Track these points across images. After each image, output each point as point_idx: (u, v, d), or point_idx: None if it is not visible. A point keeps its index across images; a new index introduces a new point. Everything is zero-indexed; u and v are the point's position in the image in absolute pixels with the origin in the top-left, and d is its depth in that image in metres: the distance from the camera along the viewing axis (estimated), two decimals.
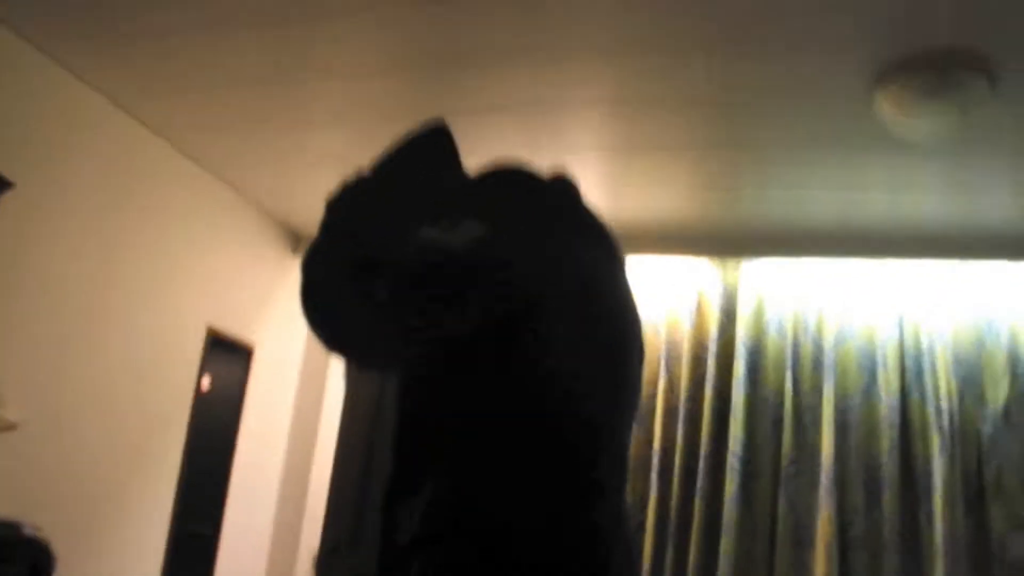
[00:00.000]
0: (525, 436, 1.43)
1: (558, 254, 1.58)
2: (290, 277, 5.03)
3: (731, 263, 4.34)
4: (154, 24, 3.17)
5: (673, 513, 4.09)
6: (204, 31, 3.18)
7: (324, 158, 4.10)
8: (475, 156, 3.87)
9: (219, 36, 3.20)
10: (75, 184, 3.63)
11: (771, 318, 4.24)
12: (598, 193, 4.10)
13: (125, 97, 3.75)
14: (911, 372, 4.02)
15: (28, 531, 2.52)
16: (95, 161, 3.72)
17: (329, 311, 1.61)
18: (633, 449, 4.21)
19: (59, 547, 2.61)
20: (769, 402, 4.15)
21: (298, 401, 5.05)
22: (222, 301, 4.50)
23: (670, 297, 4.38)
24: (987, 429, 3.89)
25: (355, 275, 1.53)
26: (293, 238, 5.13)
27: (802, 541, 3.94)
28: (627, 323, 1.67)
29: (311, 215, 4.78)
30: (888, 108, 2.93)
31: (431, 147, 1.74)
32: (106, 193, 3.79)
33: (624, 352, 1.65)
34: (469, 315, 1.44)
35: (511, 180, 1.72)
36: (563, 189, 1.77)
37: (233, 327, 4.54)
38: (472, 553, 1.36)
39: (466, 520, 1.40)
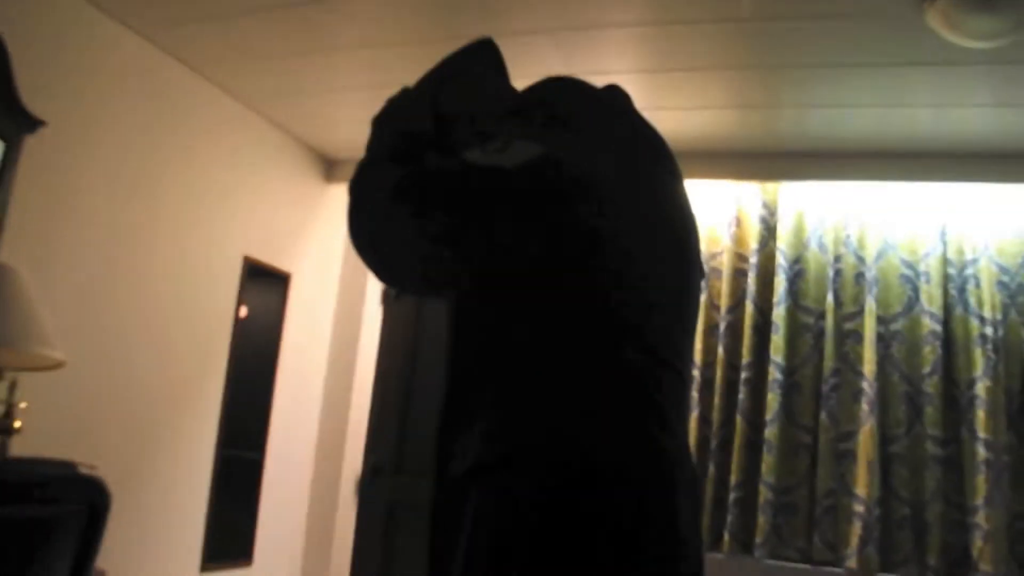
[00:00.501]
0: (583, 362, 1.40)
1: (616, 156, 1.55)
2: (325, 205, 5.03)
3: (770, 185, 4.27)
4: None
5: (715, 429, 4.09)
6: None
7: (356, 83, 4.05)
8: (516, 78, 3.84)
9: None
10: (107, 120, 3.61)
11: (812, 233, 4.19)
12: None
13: (152, 30, 3.70)
14: (955, 286, 3.97)
15: (84, 470, 2.55)
16: (126, 96, 3.69)
17: (376, 233, 1.59)
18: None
19: (111, 480, 2.65)
20: (811, 316, 4.11)
21: (336, 327, 5.09)
22: (258, 230, 4.49)
23: (708, 212, 4.32)
24: None
25: (399, 195, 1.50)
26: (327, 165, 5.10)
27: (844, 456, 3.94)
28: (687, 234, 1.63)
29: (344, 142, 4.81)
30: (938, 22, 2.84)
31: (478, 59, 1.71)
32: (138, 127, 3.76)
33: (685, 263, 1.60)
34: (528, 242, 1.41)
35: (568, 87, 1.69)
36: (617, 96, 1.74)
37: (269, 255, 4.55)
38: (530, 483, 1.34)
39: (522, 450, 1.37)
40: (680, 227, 1.62)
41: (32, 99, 3.20)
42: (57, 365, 2.89)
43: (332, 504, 4.85)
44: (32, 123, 3.24)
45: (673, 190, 1.68)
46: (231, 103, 4.29)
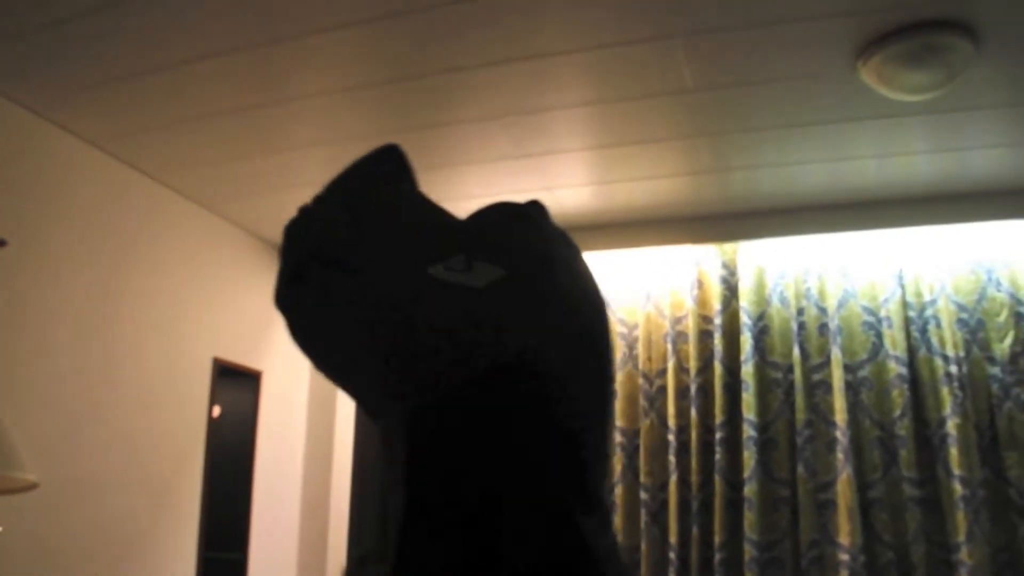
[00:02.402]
0: (532, 461, 1.41)
1: (561, 291, 1.56)
2: None
3: (729, 246, 4.35)
4: (121, 68, 3.16)
5: (695, 491, 4.12)
6: (169, 69, 3.17)
7: (311, 179, 4.03)
8: (466, 165, 3.92)
9: (184, 72, 3.19)
10: (68, 232, 3.62)
11: (773, 288, 4.26)
12: (588, 191, 4.11)
13: (106, 141, 3.74)
14: (916, 328, 4.05)
15: None
16: (85, 207, 3.71)
17: (318, 341, 1.56)
18: (649, 431, 4.25)
19: None
20: (779, 371, 4.17)
21: (310, 420, 5.08)
22: (225, 330, 4.50)
23: (670, 278, 4.39)
24: (996, 378, 3.93)
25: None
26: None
27: (824, 506, 3.98)
28: (605, 325, 1.66)
29: None
30: (872, 79, 2.94)
31: (384, 164, 1.74)
32: (98, 237, 3.78)
33: (607, 355, 1.63)
34: (485, 362, 1.42)
35: (505, 214, 1.68)
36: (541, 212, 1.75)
37: (238, 354, 4.54)
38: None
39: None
40: (601, 322, 1.64)
41: None
42: (31, 486, 2.87)
43: None
44: None
45: (593, 284, 1.70)
46: (190, 206, 4.32)
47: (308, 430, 5.06)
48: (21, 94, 3.39)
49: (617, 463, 4.25)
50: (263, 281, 4.91)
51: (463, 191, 4.18)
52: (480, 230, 1.44)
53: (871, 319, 4.13)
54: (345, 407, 5.12)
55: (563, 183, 4.03)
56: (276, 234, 4.84)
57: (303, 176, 4.08)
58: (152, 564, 3.89)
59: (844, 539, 3.86)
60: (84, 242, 3.71)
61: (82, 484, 3.55)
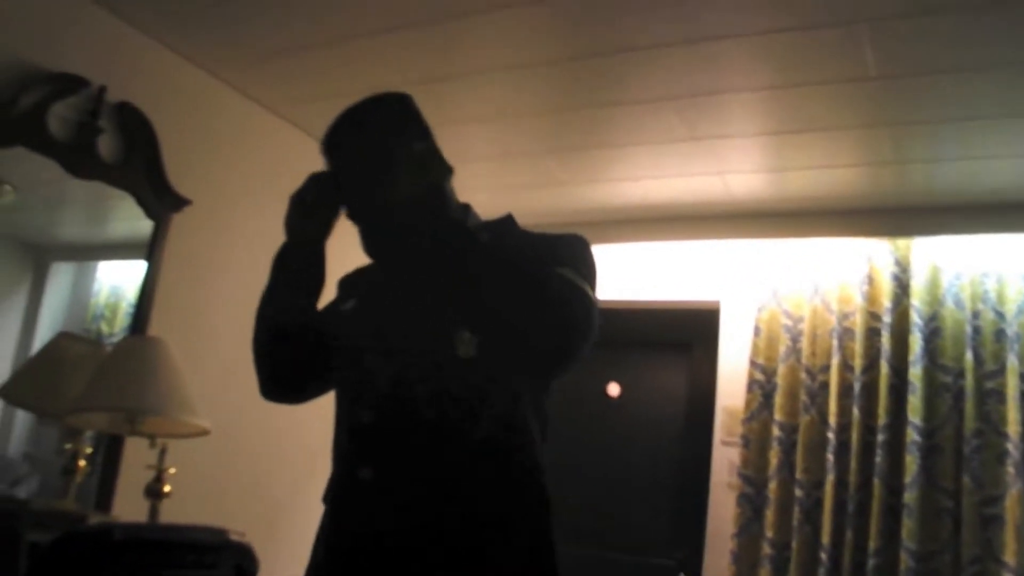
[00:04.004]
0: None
1: None
2: None
3: (902, 241, 4.17)
4: (306, 37, 3.29)
5: (852, 492, 3.98)
6: (352, 40, 3.28)
7: (483, 154, 4.15)
8: (637, 146, 3.89)
9: (365, 44, 3.29)
10: (246, 194, 3.78)
11: (947, 289, 4.05)
12: (760, 178, 4.02)
13: (286, 108, 3.90)
14: None
15: (234, 536, 2.64)
16: (263, 171, 3.87)
17: None
18: (808, 427, 4.13)
19: (256, 546, 2.74)
20: (949, 376, 3.98)
21: None
22: None
23: (840, 272, 4.24)
24: None
25: None
26: None
27: (990, 521, 3.78)
28: None
29: (476, 210, 4.89)
30: None
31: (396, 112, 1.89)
32: (273, 199, 3.90)
33: None
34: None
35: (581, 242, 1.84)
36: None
37: None
38: None
39: None
40: None
41: (177, 179, 3.39)
42: (203, 432, 3.01)
43: None
44: (178, 202, 3.43)
45: None
46: None
47: None
48: (208, 60, 3.55)
49: (773, 457, 4.15)
50: None
51: (632, 172, 4.16)
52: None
53: None
54: None
55: (735, 168, 3.95)
56: None
57: (473, 151, 4.13)
58: (310, 517, 4.02)
59: (1010, 558, 3.66)
60: (262, 203, 3.84)
61: (249, 434, 3.71)
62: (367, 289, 1.97)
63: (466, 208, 1.91)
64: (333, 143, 1.87)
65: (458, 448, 1.67)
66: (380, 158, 1.79)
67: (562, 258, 1.71)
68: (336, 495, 1.81)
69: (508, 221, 1.90)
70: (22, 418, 3.20)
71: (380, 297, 1.88)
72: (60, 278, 3.40)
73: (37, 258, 3.36)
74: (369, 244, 1.88)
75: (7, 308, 3.25)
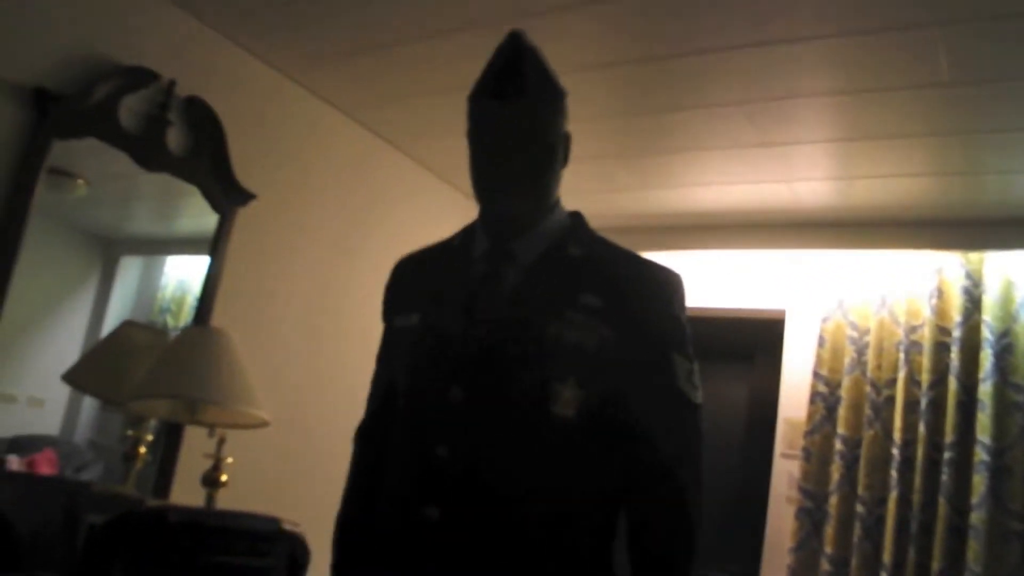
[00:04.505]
0: None
1: None
2: None
3: (974, 255, 4.06)
4: (375, 38, 3.30)
5: (916, 511, 3.87)
6: (421, 41, 3.28)
7: None
8: (706, 150, 3.84)
9: (435, 45, 3.28)
10: (310, 191, 3.82)
11: (1021, 304, 3.94)
12: (828, 186, 3.95)
13: (354, 108, 3.92)
14: None
15: (287, 526, 2.66)
16: (327, 168, 3.91)
17: None
18: (872, 442, 4.04)
19: (308, 537, 2.75)
20: (1021, 395, 3.85)
21: None
22: None
23: (908, 284, 4.14)
24: None
25: None
26: None
27: None
28: None
29: None
30: None
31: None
32: (339, 197, 3.97)
33: None
34: None
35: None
36: None
37: None
38: None
39: None
40: None
41: (243, 173, 3.43)
42: (262, 424, 3.03)
43: None
44: (244, 196, 3.47)
45: None
46: (429, 176, 4.46)
47: None
48: (277, 58, 3.59)
49: (835, 471, 4.07)
50: None
51: (701, 178, 4.11)
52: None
53: None
54: None
55: (803, 175, 3.89)
56: None
57: None
58: None
59: None
60: (326, 201, 3.90)
61: (308, 426, 3.74)
62: (442, 298, 1.71)
63: (576, 216, 1.79)
64: (517, 67, 1.70)
65: (535, 510, 1.55)
66: (550, 120, 1.71)
67: (670, 336, 1.69)
68: (392, 533, 1.61)
69: (584, 227, 1.77)
70: (88, 406, 3.27)
71: (460, 313, 1.66)
72: (129, 272, 3.47)
73: (107, 252, 3.43)
74: (488, 210, 1.74)
75: (77, 300, 3.32)
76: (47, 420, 3.18)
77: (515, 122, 1.67)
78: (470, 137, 1.73)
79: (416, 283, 1.82)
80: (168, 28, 3.29)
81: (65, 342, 3.16)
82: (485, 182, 1.70)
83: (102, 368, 3.09)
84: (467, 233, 1.81)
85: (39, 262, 3.04)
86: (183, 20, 3.33)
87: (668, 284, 1.72)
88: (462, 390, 1.57)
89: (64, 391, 3.15)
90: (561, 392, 1.56)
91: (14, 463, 2.91)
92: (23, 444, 3.02)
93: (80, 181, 3.21)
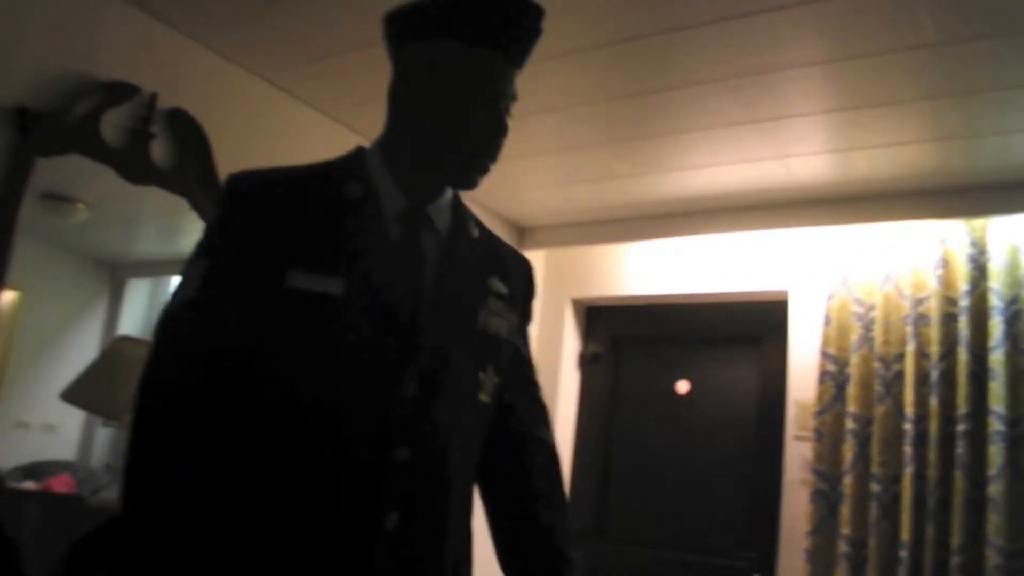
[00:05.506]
0: None
1: None
2: None
3: (978, 221, 3.97)
4: (351, 37, 3.27)
5: (932, 486, 3.79)
6: None
7: (542, 148, 4.09)
8: (693, 132, 3.78)
9: None
10: None
11: None
12: (824, 160, 3.88)
13: (339, 111, 3.90)
14: None
15: None
16: None
17: None
18: (883, 419, 3.97)
19: None
20: None
21: None
22: None
23: (912, 256, 4.06)
24: None
25: None
26: (518, 233, 5.21)
27: None
28: None
29: (534, 208, 4.90)
30: None
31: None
32: None
33: None
34: None
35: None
36: None
37: None
38: None
39: None
40: None
41: None
42: None
43: None
44: None
45: None
46: None
47: None
48: (255, 62, 3.59)
49: (848, 451, 3.99)
50: None
51: (691, 161, 4.05)
52: None
53: None
54: (568, 379, 5.11)
55: (796, 151, 3.81)
56: (505, 206, 4.91)
57: (530, 145, 4.07)
58: None
59: None
60: None
61: None
62: (368, 266, 1.49)
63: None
64: (531, 39, 1.66)
65: (464, 497, 1.60)
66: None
67: (532, 314, 1.87)
68: (338, 544, 1.41)
69: (463, 203, 1.76)
70: (104, 430, 3.29)
71: (404, 293, 1.51)
72: (137, 294, 3.48)
73: (114, 275, 3.45)
74: (454, 175, 1.64)
75: (86, 324, 3.33)
76: (62, 445, 3.21)
77: (514, 94, 1.65)
78: (465, 91, 1.56)
79: (297, 224, 1.48)
80: (147, 41, 3.27)
81: (76, 367, 3.14)
82: (475, 147, 1.59)
83: (98, 384, 3.09)
84: (360, 179, 1.57)
85: (46, 289, 3.11)
86: (161, 32, 3.31)
87: (532, 268, 1.86)
88: (416, 384, 1.46)
89: (78, 416, 3.19)
90: (485, 381, 1.59)
91: (30, 489, 2.94)
92: (38, 470, 3.05)
93: (80, 205, 3.24)
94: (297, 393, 1.42)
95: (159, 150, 3.29)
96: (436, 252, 1.58)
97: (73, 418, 3.16)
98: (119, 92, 3.14)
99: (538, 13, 1.61)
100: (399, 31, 1.60)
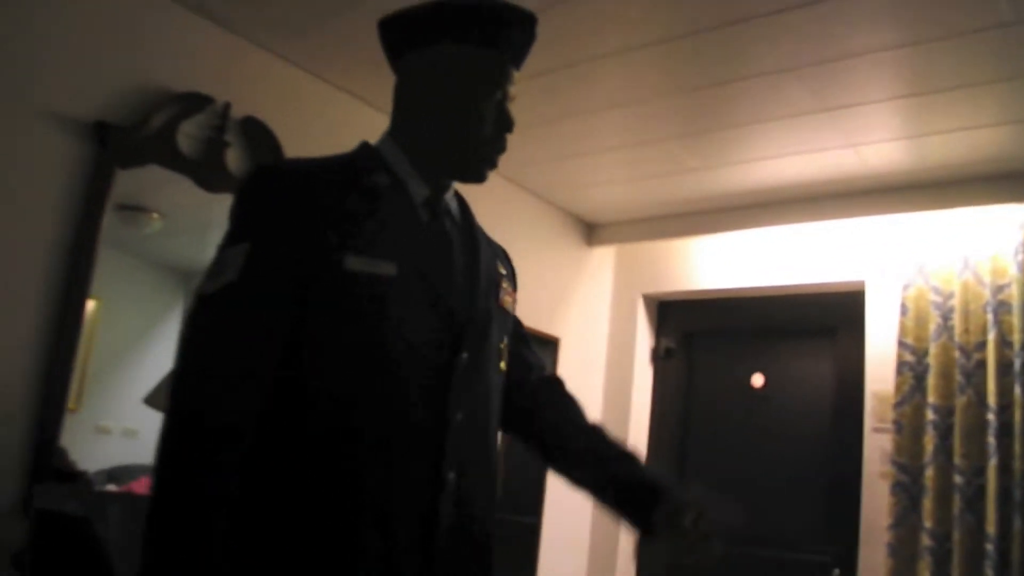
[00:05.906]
0: None
1: None
2: (587, 268, 5.09)
3: None
4: None
5: (1018, 478, 3.70)
6: None
7: (608, 145, 4.09)
8: (761, 123, 3.74)
9: None
10: None
11: None
12: (898, 147, 3.80)
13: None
14: None
15: None
16: None
17: None
18: (965, 409, 3.88)
19: None
20: None
21: (607, 387, 5.08)
22: (526, 297, 4.52)
23: (992, 241, 3.96)
24: None
25: None
26: (587, 229, 5.18)
27: None
28: None
29: (602, 204, 4.88)
30: None
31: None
32: None
33: None
34: None
35: None
36: None
37: (538, 321, 4.60)
38: None
39: None
40: None
41: None
42: None
43: (611, 568, 4.80)
44: None
45: None
46: (493, 176, 4.42)
47: (604, 398, 5.07)
48: (324, 69, 3.67)
49: (928, 443, 3.91)
50: (562, 249, 4.98)
51: (761, 152, 4.01)
52: None
53: None
54: (642, 375, 5.09)
55: (869, 139, 3.75)
56: (574, 202, 4.91)
57: (598, 142, 4.07)
58: None
59: None
60: None
61: None
62: (414, 249, 1.58)
63: None
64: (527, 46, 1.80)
65: (495, 450, 1.74)
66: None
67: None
68: (406, 496, 1.50)
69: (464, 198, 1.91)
70: None
71: (437, 267, 1.62)
72: None
73: (187, 283, 3.51)
74: (472, 170, 1.74)
75: (163, 331, 3.41)
76: (142, 450, 3.25)
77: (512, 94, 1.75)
78: (471, 90, 1.67)
79: (341, 210, 1.53)
80: (217, 51, 3.36)
81: (154, 373, 3.20)
82: (484, 143, 1.70)
83: None
84: (384, 169, 1.64)
85: (124, 298, 3.18)
86: (231, 41, 3.40)
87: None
88: (468, 356, 1.59)
89: (157, 420, 3.22)
90: (503, 351, 1.76)
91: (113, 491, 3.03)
92: (120, 474, 3.12)
93: (155, 215, 3.32)
94: (362, 367, 1.48)
95: (233, 158, 3.37)
96: (457, 236, 1.71)
97: (153, 423, 3.21)
98: (193, 103, 3.23)
99: (531, 21, 1.72)
100: (399, 40, 1.73)
